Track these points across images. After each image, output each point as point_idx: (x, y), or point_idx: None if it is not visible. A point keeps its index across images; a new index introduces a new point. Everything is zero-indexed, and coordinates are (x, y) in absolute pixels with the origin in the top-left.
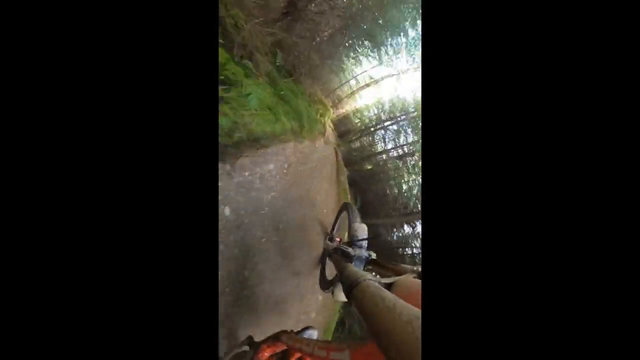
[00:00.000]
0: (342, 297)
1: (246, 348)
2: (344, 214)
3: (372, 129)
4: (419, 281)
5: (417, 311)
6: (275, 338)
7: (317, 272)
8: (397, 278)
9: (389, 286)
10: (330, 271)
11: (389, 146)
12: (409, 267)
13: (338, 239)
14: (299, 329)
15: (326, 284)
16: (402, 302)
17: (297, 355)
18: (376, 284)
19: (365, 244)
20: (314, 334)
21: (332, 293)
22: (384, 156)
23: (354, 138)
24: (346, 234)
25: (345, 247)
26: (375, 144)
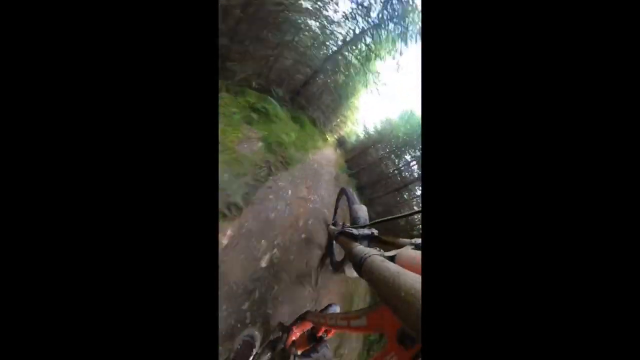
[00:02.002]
0: (353, 274)
1: (279, 334)
2: (343, 198)
3: None
4: (417, 251)
5: (418, 277)
6: (302, 318)
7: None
8: (398, 251)
9: (392, 258)
10: (339, 254)
11: None
12: (407, 240)
13: (341, 223)
14: (323, 307)
15: (336, 266)
16: (404, 270)
17: (323, 329)
18: (381, 257)
19: (367, 222)
20: (337, 309)
21: (344, 272)
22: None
23: None
24: (348, 216)
25: (349, 228)
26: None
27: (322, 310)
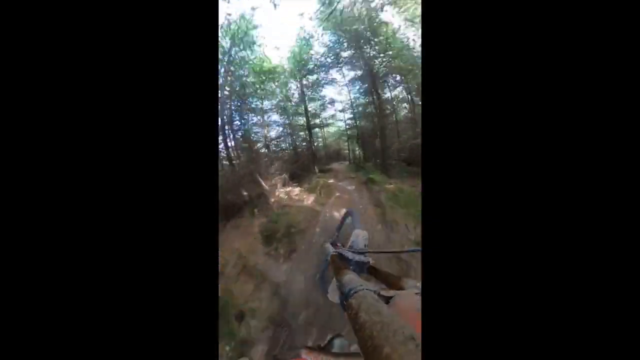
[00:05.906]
0: (336, 299)
1: None
2: (349, 219)
3: None
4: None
5: (414, 333)
6: (297, 355)
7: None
8: (398, 292)
9: (387, 300)
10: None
11: None
12: (412, 281)
13: (339, 244)
14: (330, 338)
15: (326, 286)
16: (399, 319)
17: None
18: (375, 295)
19: (364, 249)
20: (340, 343)
21: (327, 292)
22: None
23: None
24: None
25: (345, 251)
26: None
27: (328, 342)
